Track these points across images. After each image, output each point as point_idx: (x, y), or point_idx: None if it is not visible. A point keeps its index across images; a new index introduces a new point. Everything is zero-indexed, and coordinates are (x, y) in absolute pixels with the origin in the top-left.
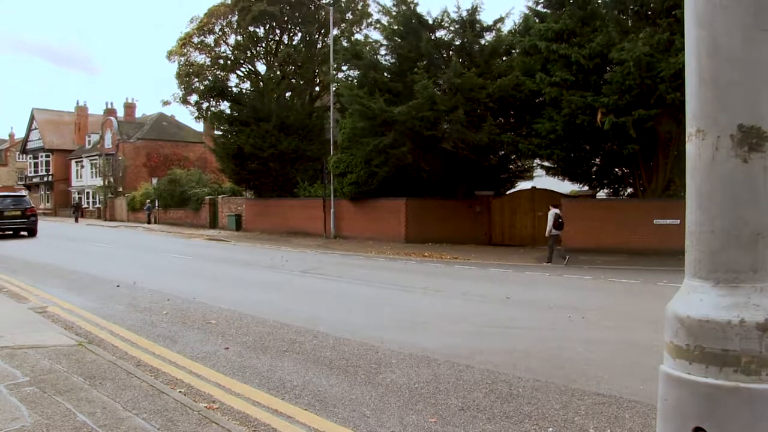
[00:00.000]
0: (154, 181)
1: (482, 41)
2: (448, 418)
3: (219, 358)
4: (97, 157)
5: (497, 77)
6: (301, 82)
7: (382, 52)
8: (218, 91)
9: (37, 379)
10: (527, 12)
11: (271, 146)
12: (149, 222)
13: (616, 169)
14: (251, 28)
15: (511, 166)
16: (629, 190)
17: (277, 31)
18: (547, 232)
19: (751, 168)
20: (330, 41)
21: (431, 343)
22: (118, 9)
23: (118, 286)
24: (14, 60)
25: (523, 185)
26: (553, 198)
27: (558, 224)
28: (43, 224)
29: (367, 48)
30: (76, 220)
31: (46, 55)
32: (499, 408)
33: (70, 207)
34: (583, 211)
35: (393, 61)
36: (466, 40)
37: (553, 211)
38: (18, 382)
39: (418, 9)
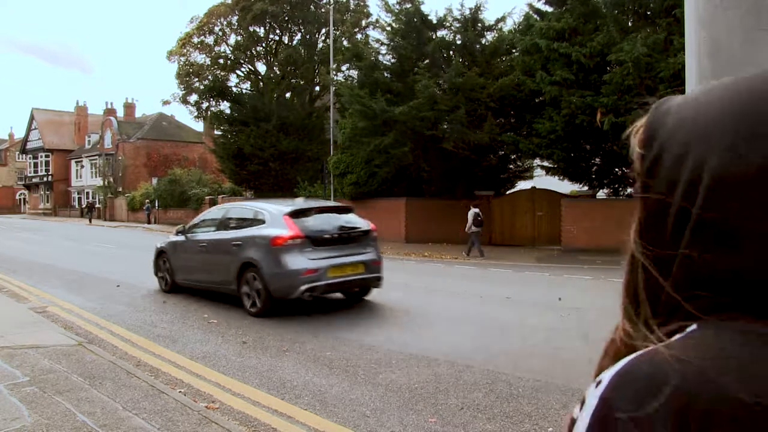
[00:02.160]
0: (154, 181)
1: (483, 41)
2: (448, 418)
3: (219, 358)
4: (96, 157)
5: (498, 77)
6: (301, 82)
7: (383, 51)
8: (218, 91)
9: (37, 379)
10: (528, 10)
11: (271, 146)
12: (149, 222)
13: (616, 169)
14: (251, 28)
15: (511, 166)
16: (629, 190)
17: (277, 31)
18: (467, 229)
19: None
20: (330, 41)
21: (431, 343)
22: (117, 9)
23: (118, 286)
24: (13, 60)
25: (523, 185)
26: (551, 197)
27: (478, 222)
28: (44, 224)
29: (368, 48)
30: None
31: (42, 54)
32: (499, 408)
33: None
34: (583, 211)
35: (394, 61)
36: (467, 39)
37: (472, 211)
38: (18, 382)
39: (422, 8)
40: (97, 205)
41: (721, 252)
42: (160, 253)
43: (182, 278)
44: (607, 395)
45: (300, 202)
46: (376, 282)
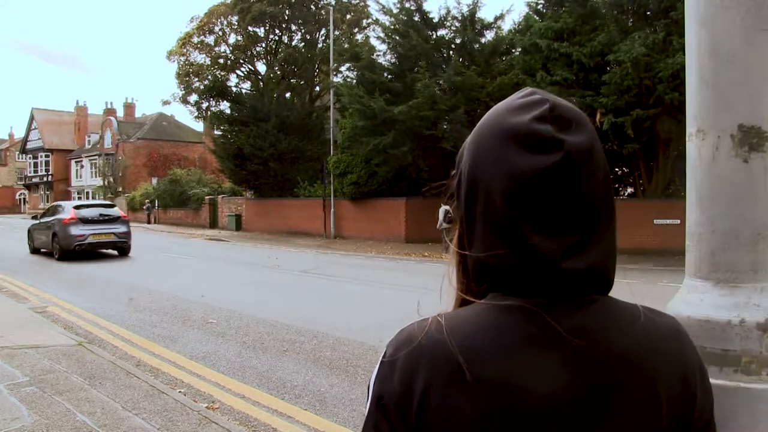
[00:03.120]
0: (154, 181)
1: (483, 40)
2: None
3: (219, 358)
4: (96, 156)
5: (497, 76)
6: (301, 82)
7: (382, 51)
8: (218, 90)
9: (37, 379)
10: (527, 11)
11: (271, 146)
12: (149, 222)
13: (616, 169)
14: (251, 28)
15: None
16: (629, 189)
17: (277, 31)
18: (438, 226)
19: (752, 168)
20: (330, 42)
21: None
22: (117, 9)
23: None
24: (13, 60)
25: None
26: None
27: (448, 219)
28: None
29: (367, 48)
30: None
31: (42, 54)
32: None
33: None
34: None
35: (393, 60)
36: (466, 38)
37: (443, 208)
38: (18, 382)
39: (423, 6)
40: None
41: (471, 249)
42: (29, 231)
43: (37, 245)
44: (387, 345)
45: (83, 201)
46: (124, 244)
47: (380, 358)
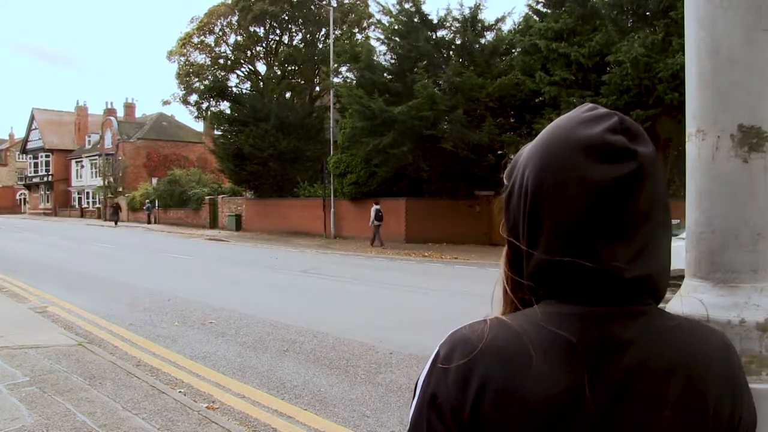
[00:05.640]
0: (154, 181)
1: (482, 41)
2: None
3: (219, 358)
4: (97, 157)
5: (497, 77)
6: (301, 82)
7: (382, 51)
8: (218, 91)
9: (37, 378)
10: (527, 11)
11: (271, 146)
12: (149, 222)
13: None
14: (251, 28)
15: None
16: None
17: (278, 31)
18: (370, 223)
19: (751, 168)
20: (330, 42)
21: (431, 343)
22: (118, 9)
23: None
24: (13, 60)
25: None
26: None
27: (379, 217)
28: (46, 225)
29: (367, 49)
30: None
31: (43, 55)
32: None
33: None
34: None
35: (393, 61)
36: (466, 39)
37: (374, 207)
38: (18, 382)
39: (423, 8)
40: (97, 205)
41: (533, 254)
42: None
43: None
44: (439, 348)
45: None
46: None
47: (431, 359)
